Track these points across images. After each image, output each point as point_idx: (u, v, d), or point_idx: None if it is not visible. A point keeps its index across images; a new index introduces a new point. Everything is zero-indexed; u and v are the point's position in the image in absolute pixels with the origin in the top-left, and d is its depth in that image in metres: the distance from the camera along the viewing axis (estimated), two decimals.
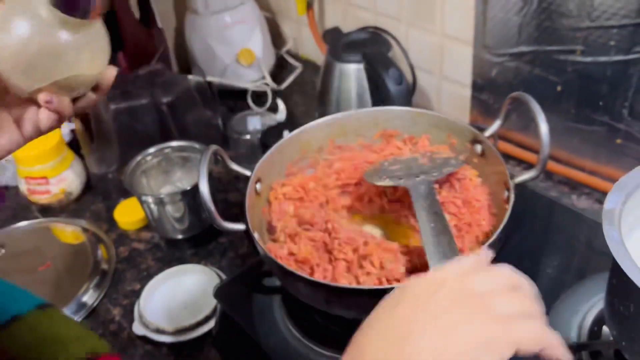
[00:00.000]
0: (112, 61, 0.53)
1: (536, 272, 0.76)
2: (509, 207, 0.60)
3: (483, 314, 0.38)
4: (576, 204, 0.92)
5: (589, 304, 0.67)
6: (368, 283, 0.60)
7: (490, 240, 0.56)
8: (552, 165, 0.96)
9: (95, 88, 0.53)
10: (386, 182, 0.69)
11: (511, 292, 0.40)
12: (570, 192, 0.94)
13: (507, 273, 0.42)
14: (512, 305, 0.39)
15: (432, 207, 0.60)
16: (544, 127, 0.61)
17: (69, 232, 1.01)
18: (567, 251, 0.79)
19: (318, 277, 0.61)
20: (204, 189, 0.59)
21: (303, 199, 0.74)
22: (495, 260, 0.43)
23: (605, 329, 0.63)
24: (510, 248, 0.67)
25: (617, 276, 0.52)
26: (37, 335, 0.52)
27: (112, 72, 0.53)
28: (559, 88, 0.89)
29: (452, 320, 0.37)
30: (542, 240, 0.81)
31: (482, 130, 0.72)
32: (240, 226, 0.63)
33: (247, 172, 0.69)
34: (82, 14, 0.47)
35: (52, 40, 0.47)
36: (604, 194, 0.92)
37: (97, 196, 1.10)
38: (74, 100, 0.52)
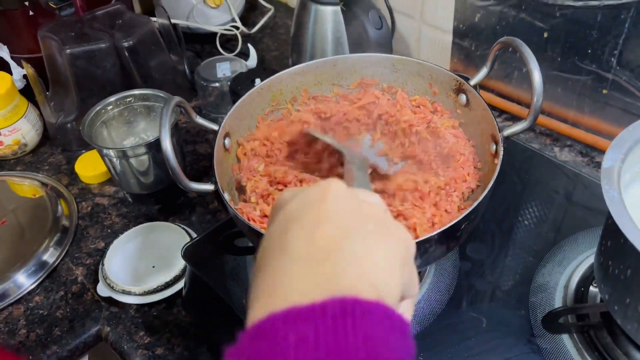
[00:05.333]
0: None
1: (517, 227, 0.73)
2: (499, 162, 0.56)
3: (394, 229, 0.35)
4: (558, 157, 0.90)
5: (575, 263, 0.66)
6: None
7: (481, 198, 0.52)
8: None
9: None
10: (326, 138, 0.63)
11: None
12: (553, 144, 0.92)
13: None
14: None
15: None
16: (537, 75, 0.56)
17: (26, 186, 0.96)
18: (549, 205, 0.76)
19: None
20: (167, 146, 0.53)
21: (270, 155, 0.68)
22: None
23: (592, 290, 0.61)
24: (491, 201, 0.63)
25: (614, 237, 0.49)
26: None
27: None
28: (545, 34, 0.85)
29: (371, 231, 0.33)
30: (523, 193, 0.78)
31: (466, 79, 0.68)
32: (208, 187, 0.57)
33: (215, 127, 0.64)
34: None
35: None
36: (586, 146, 0.90)
37: (55, 148, 1.04)
38: None
